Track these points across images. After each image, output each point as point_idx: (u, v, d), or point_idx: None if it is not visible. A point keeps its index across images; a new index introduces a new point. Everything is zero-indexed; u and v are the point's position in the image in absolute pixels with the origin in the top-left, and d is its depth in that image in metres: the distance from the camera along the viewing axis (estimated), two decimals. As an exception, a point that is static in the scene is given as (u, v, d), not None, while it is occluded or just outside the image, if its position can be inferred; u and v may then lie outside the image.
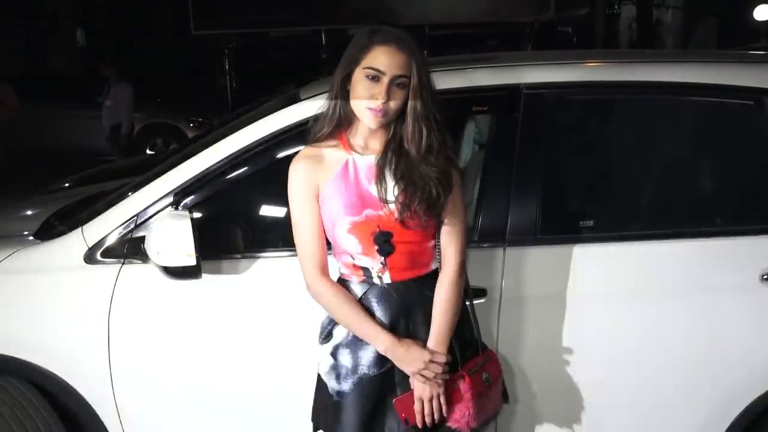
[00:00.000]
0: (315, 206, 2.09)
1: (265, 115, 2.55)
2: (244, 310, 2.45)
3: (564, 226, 2.48)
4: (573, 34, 14.26)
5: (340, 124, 2.11)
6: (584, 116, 2.55)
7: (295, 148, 2.48)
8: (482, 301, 2.39)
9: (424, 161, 2.04)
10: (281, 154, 2.48)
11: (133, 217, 2.47)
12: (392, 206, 2.04)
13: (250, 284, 2.45)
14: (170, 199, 2.46)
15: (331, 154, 2.11)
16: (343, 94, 2.08)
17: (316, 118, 2.15)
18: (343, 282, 2.14)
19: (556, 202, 2.47)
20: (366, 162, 2.09)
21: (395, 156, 2.06)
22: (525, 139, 2.45)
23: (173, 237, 2.27)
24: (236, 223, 2.53)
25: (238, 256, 2.48)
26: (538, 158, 2.44)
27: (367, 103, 2.02)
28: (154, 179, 2.53)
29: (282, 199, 2.54)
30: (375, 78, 2.01)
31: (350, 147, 2.10)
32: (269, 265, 2.46)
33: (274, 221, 2.55)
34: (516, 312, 2.41)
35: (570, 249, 2.42)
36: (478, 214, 2.44)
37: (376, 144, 2.10)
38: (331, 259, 2.13)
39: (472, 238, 2.42)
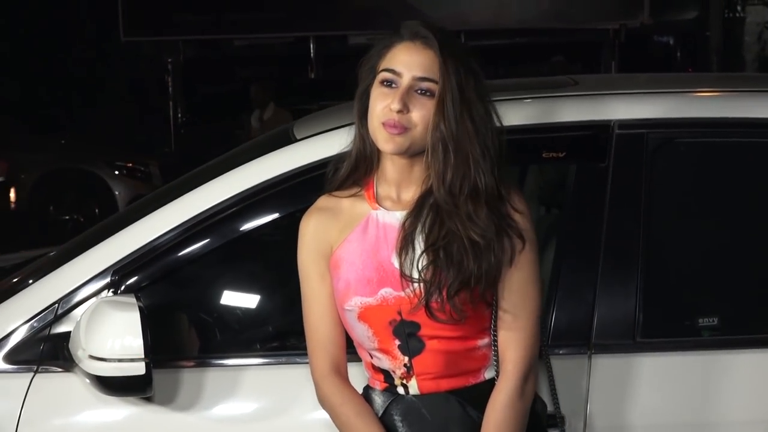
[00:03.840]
0: (326, 277, 2.19)
1: (244, 162, 2.65)
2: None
3: (676, 325, 2.54)
4: (676, 47, 14.53)
5: (363, 164, 2.19)
6: (704, 167, 2.65)
7: (287, 209, 2.60)
8: (557, 433, 2.44)
9: (452, 210, 2.07)
10: (267, 217, 2.57)
11: (53, 305, 2.54)
12: (417, 286, 2.10)
13: (226, 405, 2.49)
14: (107, 279, 2.53)
15: (352, 206, 2.20)
16: (363, 120, 2.18)
17: (339, 158, 2.25)
18: (367, 391, 2.22)
19: (665, 289, 2.54)
20: (394, 220, 2.16)
21: (431, 213, 2.12)
22: (618, 199, 2.53)
23: (113, 334, 2.33)
24: (204, 315, 2.61)
25: (192, 363, 2.52)
26: (637, 226, 2.52)
27: (379, 116, 2.10)
28: (83, 251, 2.61)
29: (269, 279, 2.61)
30: (390, 83, 2.11)
31: (375, 198, 2.19)
32: (256, 377, 2.51)
33: (259, 312, 2.63)
34: (607, 451, 2.45)
35: (686, 358, 2.48)
36: (549, 307, 2.50)
37: (413, 197, 2.17)
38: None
39: (542, 342, 2.49)
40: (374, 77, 2.14)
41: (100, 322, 2.36)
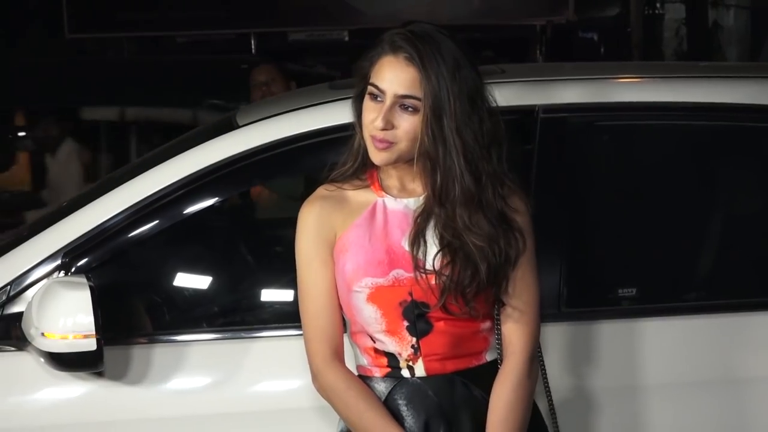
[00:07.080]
0: (329, 263, 2.16)
1: (188, 148, 2.67)
2: (166, 419, 2.51)
3: (597, 297, 2.62)
4: (600, 42, 14.71)
5: (366, 158, 2.17)
6: (623, 148, 2.73)
7: (230, 191, 2.62)
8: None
9: (448, 222, 2.07)
10: (211, 200, 2.60)
11: (5, 286, 2.53)
12: (429, 269, 2.09)
13: (174, 379, 2.52)
14: (58, 261, 2.54)
15: (356, 195, 2.19)
16: (360, 120, 2.15)
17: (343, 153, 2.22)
18: (364, 381, 2.17)
19: (587, 263, 2.61)
20: (401, 207, 2.16)
21: (443, 211, 2.10)
22: (542, 179, 2.59)
23: (65, 312, 2.34)
24: (152, 294, 2.63)
25: (142, 340, 2.55)
26: (560, 205, 2.58)
27: (368, 128, 2.10)
28: (34, 234, 2.62)
29: (215, 259, 2.62)
30: (377, 98, 2.10)
31: (381, 188, 2.19)
32: (203, 351, 2.54)
33: (205, 290, 2.65)
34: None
35: (607, 327, 2.54)
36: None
37: (417, 187, 2.17)
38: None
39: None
40: (366, 84, 2.12)
41: (52, 301, 2.36)
